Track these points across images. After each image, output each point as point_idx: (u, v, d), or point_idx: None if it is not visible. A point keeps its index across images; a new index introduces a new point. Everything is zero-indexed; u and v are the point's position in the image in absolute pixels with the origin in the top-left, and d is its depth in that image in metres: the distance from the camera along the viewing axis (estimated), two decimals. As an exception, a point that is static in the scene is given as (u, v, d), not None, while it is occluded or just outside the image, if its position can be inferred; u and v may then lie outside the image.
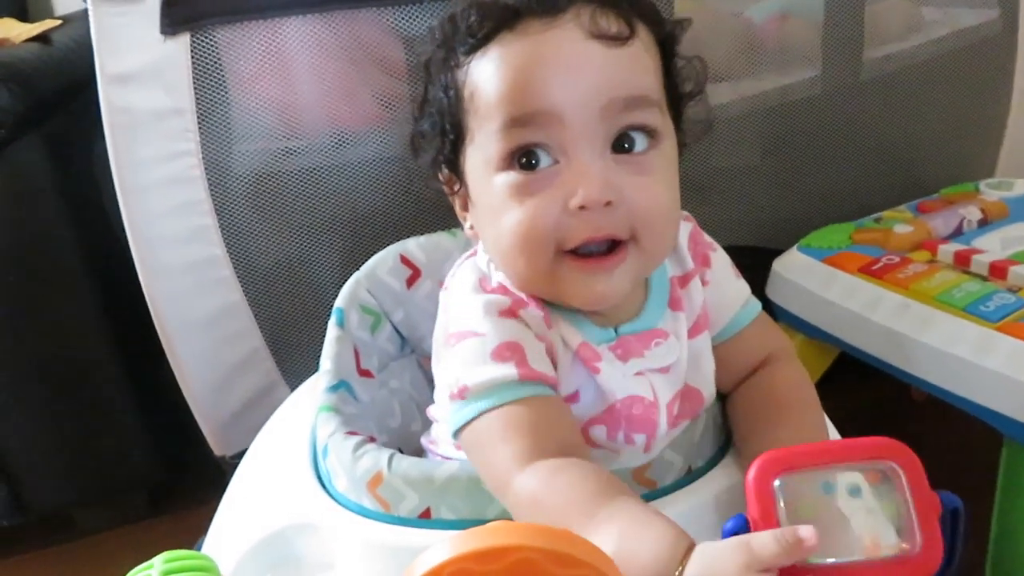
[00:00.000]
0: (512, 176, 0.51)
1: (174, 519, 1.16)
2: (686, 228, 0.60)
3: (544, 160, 0.51)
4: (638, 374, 0.56)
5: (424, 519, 0.55)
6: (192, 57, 0.84)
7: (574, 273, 0.52)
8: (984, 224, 0.94)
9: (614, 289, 0.52)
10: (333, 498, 0.59)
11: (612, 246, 0.52)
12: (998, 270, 0.82)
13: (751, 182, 1.03)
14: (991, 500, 0.78)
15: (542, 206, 0.50)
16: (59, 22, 1.20)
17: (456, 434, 0.53)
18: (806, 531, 0.39)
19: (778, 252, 0.99)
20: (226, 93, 0.87)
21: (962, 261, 0.85)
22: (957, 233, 0.92)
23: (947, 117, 1.08)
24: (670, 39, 0.55)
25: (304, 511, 0.58)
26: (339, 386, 0.68)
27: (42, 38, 1.14)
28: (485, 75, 0.52)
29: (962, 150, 1.11)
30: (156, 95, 0.85)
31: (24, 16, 1.37)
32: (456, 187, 0.58)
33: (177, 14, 0.83)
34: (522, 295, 0.55)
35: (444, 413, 0.56)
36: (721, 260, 0.61)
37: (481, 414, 0.51)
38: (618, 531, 0.43)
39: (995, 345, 0.73)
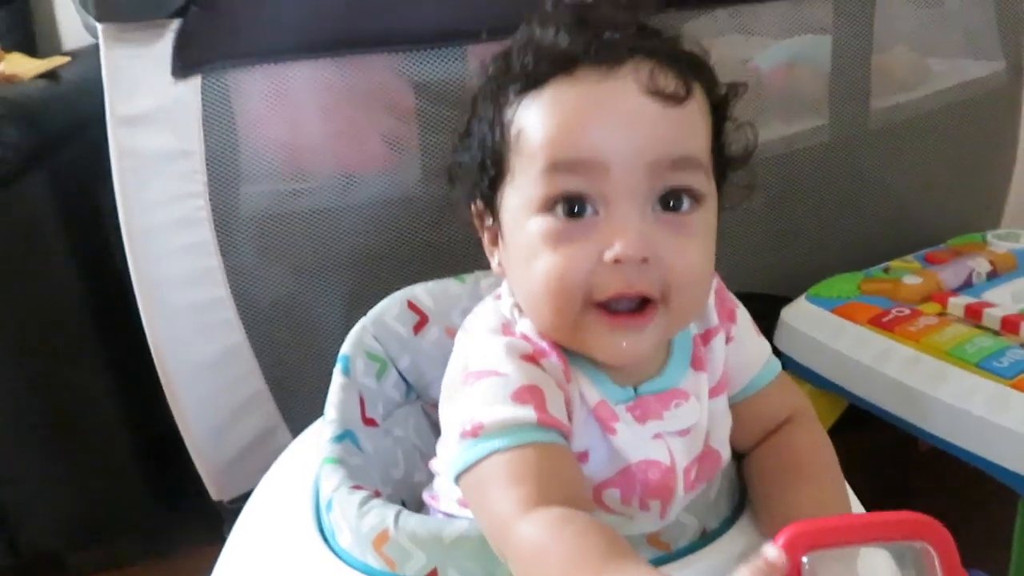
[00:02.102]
0: (550, 221, 0.51)
1: (168, 563, 1.14)
2: (713, 283, 0.59)
3: (586, 209, 0.50)
4: (656, 436, 0.54)
5: (431, 579, 0.54)
6: (203, 99, 0.84)
7: (601, 328, 0.51)
8: (993, 276, 0.94)
9: (641, 347, 0.52)
10: (337, 555, 0.57)
11: (642, 304, 0.51)
12: (1010, 324, 0.81)
13: (757, 229, 1.03)
14: (995, 557, 0.77)
15: (577, 255, 0.50)
16: (67, 59, 1.20)
17: (460, 476, 0.50)
18: None
19: (784, 300, 0.99)
20: (235, 135, 0.87)
21: (973, 315, 0.84)
22: (966, 285, 0.92)
23: (953, 167, 1.08)
24: (723, 103, 0.55)
25: (307, 568, 0.57)
26: (344, 436, 0.67)
27: (51, 75, 1.14)
28: (535, 116, 0.51)
29: (968, 200, 1.11)
30: (165, 137, 0.85)
31: (33, 50, 1.38)
32: (489, 222, 0.57)
33: (189, 56, 0.83)
34: (544, 345, 0.53)
35: (449, 455, 0.53)
36: (744, 317, 0.60)
37: (492, 454, 0.49)
38: None
39: (1010, 402, 0.72)
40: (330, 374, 0.68)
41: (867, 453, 0.78)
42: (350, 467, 0.62)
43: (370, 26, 0.84)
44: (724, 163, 0.56)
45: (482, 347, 0.54)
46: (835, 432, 0.86)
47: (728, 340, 0.58)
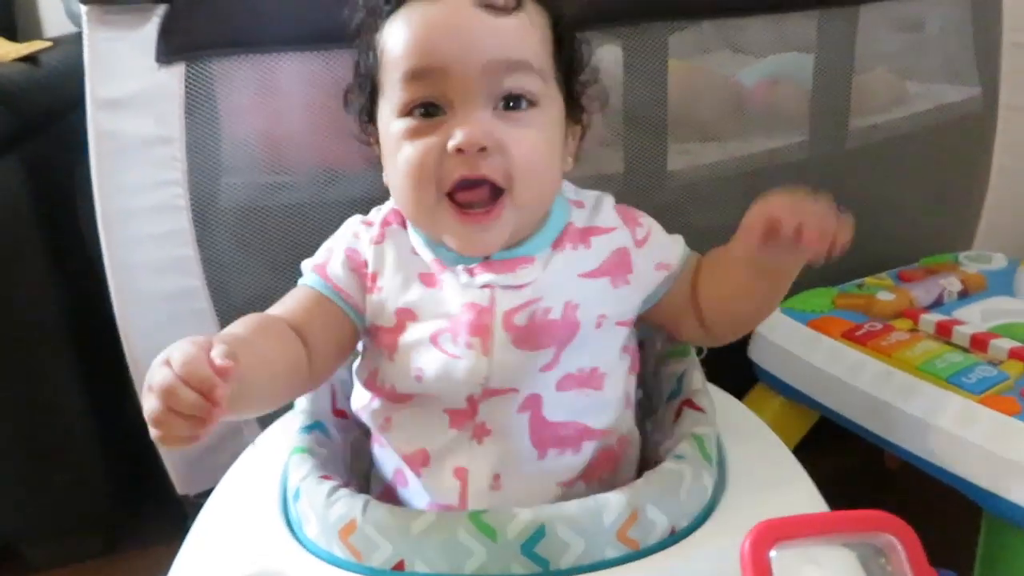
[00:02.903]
0: (408, 122, 0.59)
1: (129, 559, 1.12)
2: (611, 199, 0.67)
3: (437, 111, 0.58)
4: (484, 287, 0.61)
5: (397, 571, 0.53)
6: (186, 86, 0.84)
7: (454, 222, 0.59)
8: (964, 295, 0.95)
9: (490, 241, 0.60)
10: (303, 545, 0.56)
11: (492, 198, 0.58)
12: (979, 342, 0.82)
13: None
14: (965, 573, 0.77)
15: (427, 146, 0.58)
16: (49, 44, 1.19)
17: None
18: None
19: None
20: (217, 124, 0.86)
21: (943, 332, 0.86)
22: (938, 303, 0.93)
23: (928, 189, 1.10)
24: (561, 19, 0.63)
25: (272, 558, 0.56)
26: (313, 427, 0.66)
27: (31, 59, 1.12)
28: (392, 35, 0.60)
29: (942, 221, 1.13)
30: (145, 122, 0.84)
31: (13, 36, 1.36)
32: (374, 139, 0.65)
33: (174, 43, 0.82)
34: (375, 219, 0.65)
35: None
36: (653, 221, 0.68)
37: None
38: None
39: (977, 417, 0.73)
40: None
41: (836, 470, 0.78)
42: (319, 457, 0.62)
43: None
44: (570, 74, 0.64)
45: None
46: (805, 449, 0.88)
47: (638, 243, 0.66)
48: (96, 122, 0.83)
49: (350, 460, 0.68)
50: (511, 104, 0.59)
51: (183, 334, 0.87)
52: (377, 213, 0.67)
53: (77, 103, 1.09)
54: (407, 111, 0.59)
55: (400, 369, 0.61)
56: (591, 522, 0.53)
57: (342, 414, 0.70)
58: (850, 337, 0.87)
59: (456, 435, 0.60)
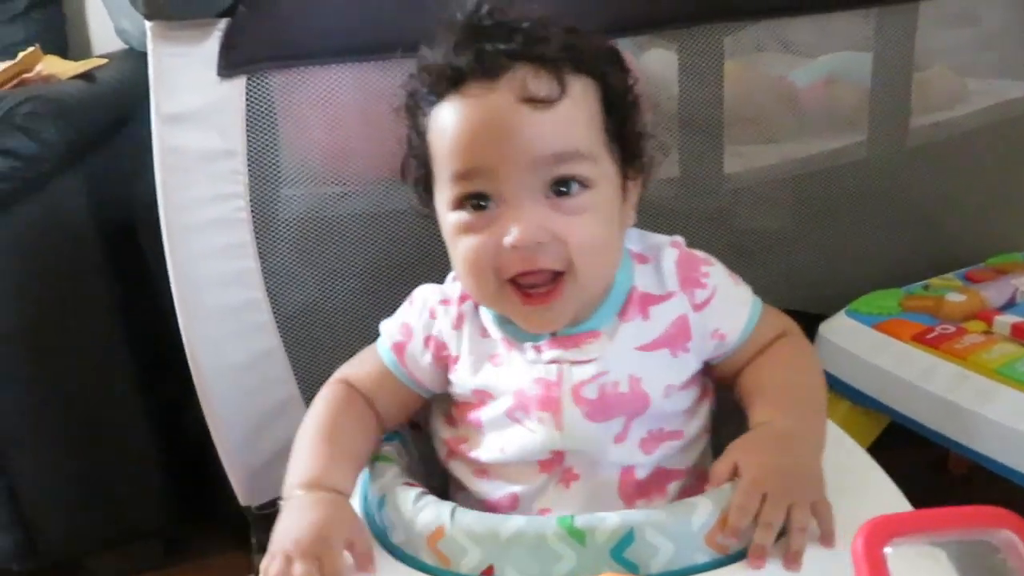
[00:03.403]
0: (461, 215, 0.59)
1: (188, 570, 1.13)
2: (673, 254, 0.64)
3: (489, 203, 0.57)
4: (551, 362, 0.61)
5: (486, 577, 0.53)
6: (247, 99, 0.84)
7: (516, 304, 0.59)
8: (1037, 295, 0.93)
9: (553, 319, 0.60)
10: (390, 552, 0.56)
11: (553, 277, 0.58)
12: (1059, 343, 0.81)
13: (793, 246, 1.02)
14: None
15: (483, 242, 0.58)
16: (104, 61, 1.21)
17: None
18: None
19: (819, 317, 0.98)
20: (277, 136, 0.87)
21: (1020, 333, 0.83)
22: (1010, 304, 0.91)
23: (991, 186, 1.08)
24: (611, 87, 0.61)
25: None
26: (393, 436, 0.66)
27: (87, 76, 1.15)
28: (438, 129, 0.59)
29: (1006, 219, 1.11)
30: (209, 136, 0.84)
31: (64, 54, 1.39)
32: (435, 211, 0.64)
33: (235, 56, 0.83)
34: (452, 296, 0.66)
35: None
36: (720, 275, 0.65)
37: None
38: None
39: (1064, 421, 0.71)
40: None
41: (897, 476, 0.77)
42: (400, 466, 0.62)
43: (417, 28, 0.84)
44: (623, 139, 0.61)
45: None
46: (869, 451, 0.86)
47: (697, 307, 0.63)
48: (161, 137, 0.84)
49: (424, 472, 0.68)
50: (563, 189, 0.57)
51: (246, 347, 0.90)
52: (452, 287, 0.67)
53: (133, 118, 1.11)
54: (459, 204, 0.59)
55: (486, 443, 0.63)
56: (680, 526, 0.53)
57: (417, 427, 0.71)
58: (921, 340, 0.85)
59: (545, 479, 0.61)
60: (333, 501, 0.57)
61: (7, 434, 1.05)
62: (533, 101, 0.56)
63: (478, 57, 0.57)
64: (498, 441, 0.62)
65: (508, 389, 0.62)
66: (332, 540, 0.54)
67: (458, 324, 0.65)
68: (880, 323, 0.90)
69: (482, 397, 0.63)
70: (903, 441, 0.87)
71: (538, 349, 0.61)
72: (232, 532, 1.03)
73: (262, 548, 0.57)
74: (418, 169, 0.63)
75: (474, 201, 0.58)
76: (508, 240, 0.56)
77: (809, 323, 0.98)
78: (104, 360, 1.07)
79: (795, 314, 0.99)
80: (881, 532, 0.40)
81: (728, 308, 0.64)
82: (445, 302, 0.66)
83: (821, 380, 0.65)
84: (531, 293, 0.58)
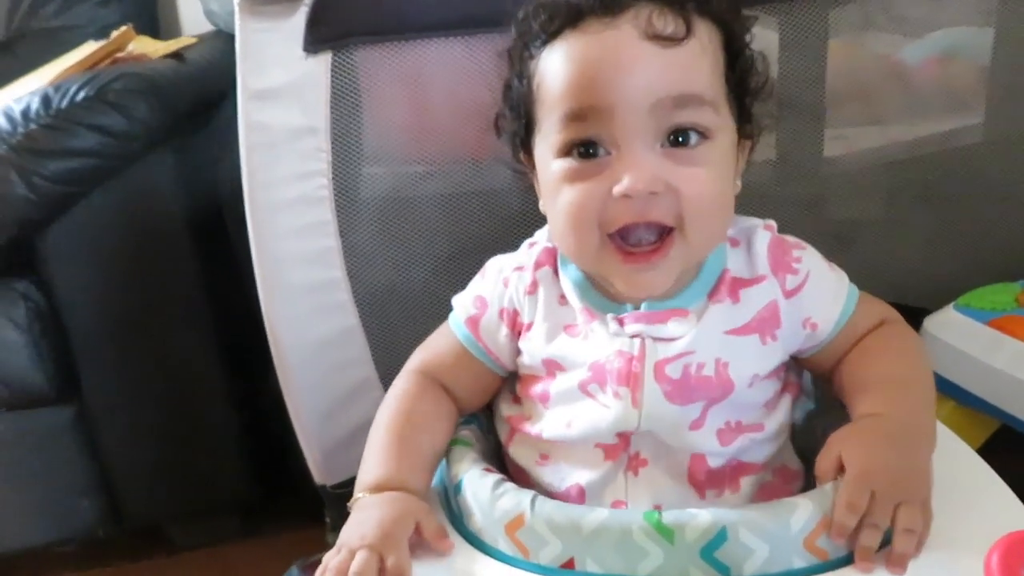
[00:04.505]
0: (569, 162, 0.55)
1: (264, 542, 1.15)
2: (765, 237, 0.60)
3: (599, 151, 0.54)
4: (634, 336, 0.57)
5: (567, 570, 0.50)
6: (331, 76, 0.84)
7: (617, 263, 0.55)
8: None
9: (657, 282, 0.56)
10: (466, 538, 0.54)
11: (659, 235, 0.54)
12: None
13: (896, 234, 0.96)
14: None
15: (591, 190, 0.54)
16: (194, 40, 1.23)
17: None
18: None
19: (922, 311, 0.92)
20: (361, 114, 0.86)
21: None
22: None
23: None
24: (735, 35, 0.57)
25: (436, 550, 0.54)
26: (471, 420, 0.65)
27: (177, 55, 1.16)
28: (550, 70, 0.56)
29: None
30: (293, 113, 0.84)
31: (156, 35, 1.42)
32: (531, 168, 0.61)
33: (321, 32, 0.82)
34: (527, 263, 0.63)
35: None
36: (813, 260, 0.61)
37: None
38: None
39: None
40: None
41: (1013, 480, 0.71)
42: (477, 451, 0.60)
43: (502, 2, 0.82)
44: (743, 94, 0.58)
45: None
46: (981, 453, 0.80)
47: (789, 293, 0.59)
48: (247, 113, 0.84)
49: (500, 459, 0.66)
50: (680, 139, 0.54)
51: (325, 326, 0.90)
52: (528, 254, 0.64)
53: (221, 98, 1.12)
54: (567, 151, 0.55)
55: (551, 418, 0.59)
56: (777, 528, 0.49)
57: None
58: (1041, 338, 0.79)
59: (611, 467, 0.58)
60: (401, 498, 0.56)
61: (97, 405, 1.08)
62: (659, 38, 0.52)
63: None
64: (565, 416, 0.58)
65: (584, 361, 0.58)
66: (397, 536, 0.53)
67: (532, 290, 0.62)
68: (994, 319, 0.84)
69: (552, 368, 0.60)
70: (1008, 445, 0.81)
71: (620, 321, 0.58)
72: (308, 509, 1.03)
73: (336, 527, 0.57)
74: (516, 119, 0.60)
75: (583, 148, 0.54)
76: (619, 189, 0.52)
77: (911, 317, 0.92)
78: (189, 337, 1.10)
79: (897, 307, 0.94)
80: (1017, 550, 0.35)
81: (821, 296, 0.60)
82: (519, 268, 0.63)
83: (929, 372, 0.60)
84: (634, 252, 0.54)
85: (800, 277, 0.59)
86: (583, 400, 0.58)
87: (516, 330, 0.62)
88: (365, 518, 0.54)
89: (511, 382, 0.65)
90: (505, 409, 0.64)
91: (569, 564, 0.50)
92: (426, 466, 0.59)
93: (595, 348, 0.58)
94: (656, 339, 0.57)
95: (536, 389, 0.61)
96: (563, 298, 0.61)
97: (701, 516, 0.50)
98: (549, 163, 0.56)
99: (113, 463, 1.10)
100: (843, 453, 0.52)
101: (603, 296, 0.59)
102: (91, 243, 1.03)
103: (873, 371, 0.59)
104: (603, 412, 0.57)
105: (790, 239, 0.61)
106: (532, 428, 0.60)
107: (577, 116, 0.54)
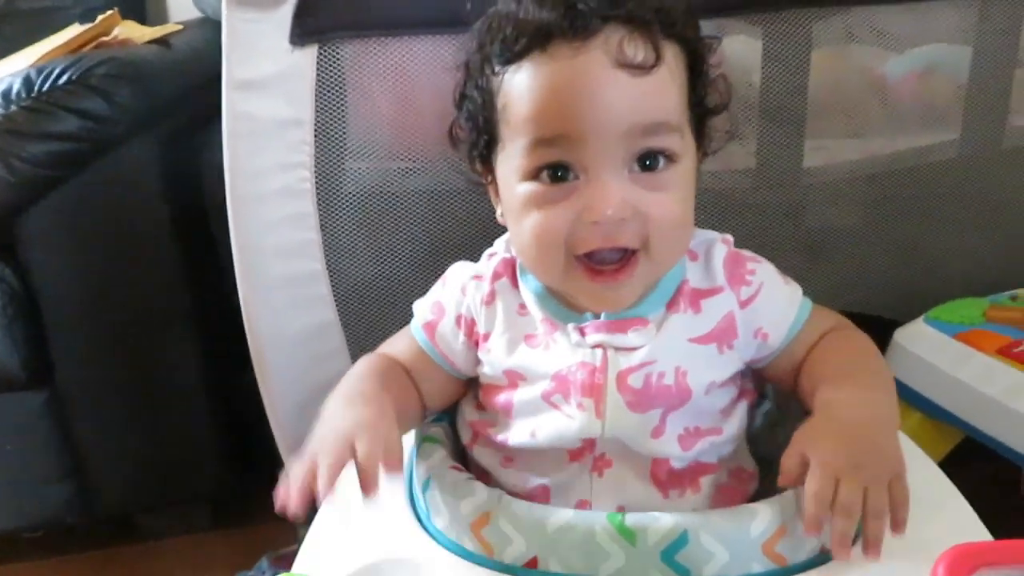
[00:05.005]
0: (536, 186, 0.54)
1: (236, 534, 1.15)
2: (723, 250, 0.61)
3: (568, 175, 0.54)
4: (596, 346, 0.58)
5: (530, 568, 0.51)
6: (317, 69, 0.84)
7: (584, 280, 0.55)
8: None
9: (622, 298, 0.57)
10: (431, 536, 0.55)
11: (624, 254, 0.54)
12: None
13: (870, 246, 0.97)
14: None
15: (558, 214, 0.54)
16: (181, 27, 1.22)
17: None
18: None
19: (892, 323, 0.93)
20: (345, 108, 0.86)
21: (1116, 353, 0.78)
22: (1105, 322, 0.85)
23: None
24: (698, 56, 0.57)
25: (400, 547, 0.55)
26: (442, 418, 0.65)
27: (162, 41, 1.16)
28: (516, 92, 0.54)
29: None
30: (278, 104, 0.84)
31: (142, 21, 1.41)
32: (489, 179, 0.61)
33: (308, 25, 0.82)
34: (486, 274, 0.63)
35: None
36: (767, 273, 0.62)
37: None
38: None
39: None
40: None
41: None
42: (447, 448, 0.60)
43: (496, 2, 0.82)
44: (702, 113, 0.59)
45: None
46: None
47: (743, 304, 0.60)
48: (231, 103, 0.83)
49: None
50: (648, 163, 0.54)
51: (303, 319, 0.90)
52: (486, 265, 0.64)
53: (206, 86, 1.12)
54: (534, 175, 0.54)
55: (515, 428, 0.59)
56: (737, 533, 0.50)
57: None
58: (1008, 354, 0.80)
59: (576, 468, 0.58)
60: (375, 400, 0.57)
61: (71, 391, 1.07)
62: (629, 66, 0.52)
63: (569, 14, 0.52)
64: (529, 425, 0.58)
65: (546, 372, 0.58)
66: (368, 431, 0.54)
67: (489, 300, 0.62)
68: (962, 333, 0.85)
69: (514, 379, 0.60)
70: (968, 454, 0.83)
71: (582, 331, 0.58)
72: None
73: (308, 520, 0.56)
74: (476, 133, 0.59)
75: (551, 172, 0.54)
76: (589, 216, 0.52)
77: (884, 329, 0.93)
78: (166, 325, 1.09)
79: (869, 319, 0.96)
80: (965, 561, 0.36)
81: (773, 306, 0.61)
82: (477, 278, 0.63)
83: (881, 359, 0.62)
84: (601, 270, 0.55)
85: (753, 288, 0.60)
86: (547, 411, 0.58)
87: (473, 339, 0.63)
88: (332, 420, 0.56)
89: (475, 388, 0.65)
90: (469, 414, 0.64)
91: (532, 563, 0.51)
92: (400, 412, 0.59)
93: (557, 358, 0.58)
94: (618, 349, 0.57)
95: (499, 399, 0.61)
96: (523, 308, 0.61)
97: (663, 519, 0.50)
98: (514, 185, 0.56)
99: (85, 450, 1.09)
100: (805, 447, 0.51)
101: (563, 306, 0.60)
102: (70, 228, 1.03)
103: (826, 366, 0.60)
104: (568, 422, 0.57)
105: (746, 253, 0.62)
106: (496, 436, 0.60)
107: (547, 142, 0.53)
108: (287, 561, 0.56)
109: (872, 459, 0.50)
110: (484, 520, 0.52)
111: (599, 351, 0.57)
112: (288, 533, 0.99)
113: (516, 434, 0.59)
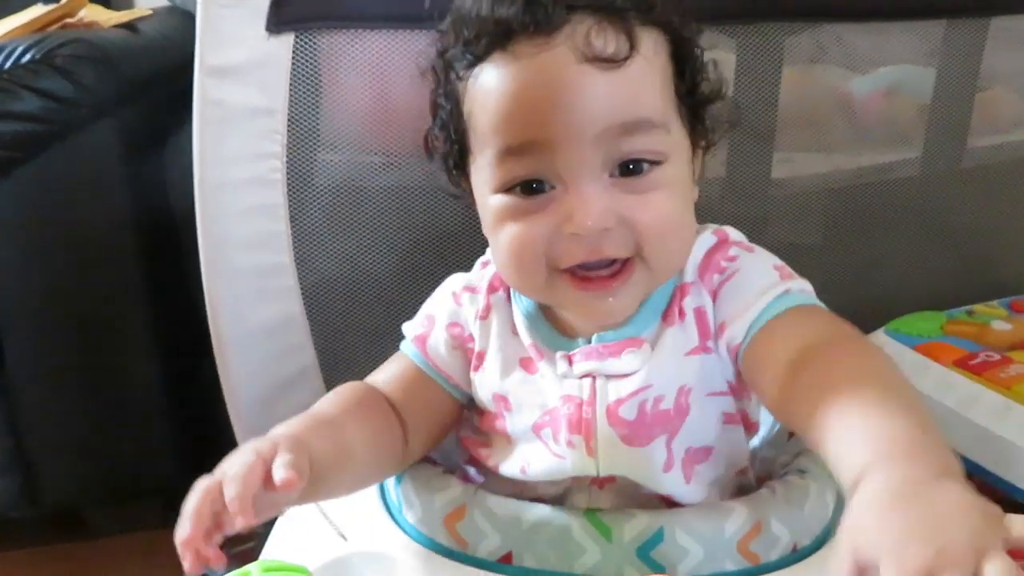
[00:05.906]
0: (510, 199, 0.50)
1: (187, 531, 1.11)
2: (709, 240, 0.54)
3: (543, 187, 0.49)
4: (585, 376, 0.52)
5: (504, 564, 0.51)
6: (293, 58, 0.83)
7: (571, 291, 0.50)
8: (1085, 331, 0.90)
9: (617, 308, 0.51)
10: (403, 530, 0.54)
11: (615, 261, 0.49)
12: (1109, 379, 0.78)
13: (833, 258, 0.99)
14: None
15: (536, 228, 0.49)
16: (149, 12, 1.20)
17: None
18: None
19: (853, 335, 0.95)
20: (320, 99, 0.85)
21: (1068, 367, 0.81)
22: (1057, 337, 0.88)
23: (1047, 216, 1.05)
24: (682, 41, 0.51)
25: (369, 542, 0.54)
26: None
27: (130, 26, 1.13)
28: (480, 98, 0.50)
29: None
30: (251, 92, 0.83)
31: (107, 5, 1.38)
32: (470, 193, 0.56)
33: (285, 13, 0.81)
34: (480, 286, 0.58)
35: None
36: (754, 261, 0.54)
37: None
38: None
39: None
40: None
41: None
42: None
43: None
44: (695, 103, 0.53)
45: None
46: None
47: (714, 293, 0.53)
48: (203, 88, 0.82)
49: (448, 453, 0.65)
50: (631, 167, 0.48)
51: (268, 311, 0.88)
52: (480, 275, 0.59)
53: (173, 73, 1.10)
54: (507, 188, 0.50)
55: (508, 459, 0.55)
56: (712, 531, 0.51)
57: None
58: (964, 366, 0.83)
59: (576, 483, 0.54)
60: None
61: (20, 378, 1.04)
62: (598, 60, 0.47)
63: (529, 7, 0.47)
64: (519, 460, 0.54)
65: (533, 403, 0.53)
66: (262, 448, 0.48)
67: (485, 315, 0.57)
68: (921, 345, 0.87)
69: (501, 406, 0.55)
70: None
71: (570, 360, 0.53)
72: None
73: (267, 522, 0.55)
74: (448, 142, 0.54)
75: (524, 185, 0.49)
76: (569, 228, 0.48)
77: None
78: (121, 314, 1.06)
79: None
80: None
81: (737, 295, 0.52)
82: (472, 290, 0.58)
83: (905, 377, 0.47)
84: (591, 276, 0.49)
85: (725, 276, 0.53)
86: (536, 444, 0.54)
87: (467, 353, 0.58)
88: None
89: (471, 414, 0.60)
90: (462, 430, 0.60)
91: (507, 558, 0.51)
92: (340, 456, 0.51)
93: (545, 389, 0.53)
94: (608, 377, 0.52)
95: (491, 424, 0.56)
96: (515, 328, 0.56)
97: (639, 516, 0.50)
98: (487, 197, 0.51)
99: (32, 440, 1.05)
100: (862, 553, 0.34)
101: (554, 329, 0.55)
102: (26, 213, 1.00)
103: (833, 402, 0.44)
104: (559, 462, 0.52)
105: (742, 243, 0.55)
106: (489, 459, 0.56)
107: (515, 152, 0.48)
108: (241, 558, 0.54)
109: (952, 535, 0.33)
110: (459, 514, 0.52)
111: (587, 381, 0.52)
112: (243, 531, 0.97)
113: (507, 466, 0.55)
